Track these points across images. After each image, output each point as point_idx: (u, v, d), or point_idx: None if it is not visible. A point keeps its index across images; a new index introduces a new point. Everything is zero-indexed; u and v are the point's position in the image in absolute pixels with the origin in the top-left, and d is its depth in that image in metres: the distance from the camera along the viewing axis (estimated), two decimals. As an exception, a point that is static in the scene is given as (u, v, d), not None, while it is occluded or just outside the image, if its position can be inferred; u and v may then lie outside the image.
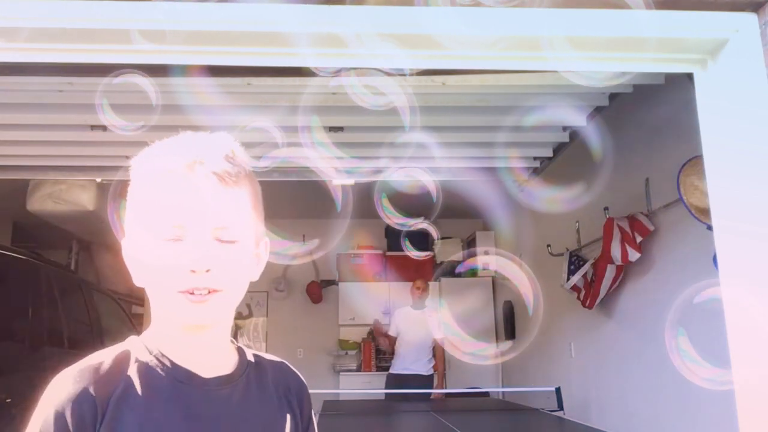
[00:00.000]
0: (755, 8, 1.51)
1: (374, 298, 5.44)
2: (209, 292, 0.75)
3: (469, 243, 7.03)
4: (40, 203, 4.76)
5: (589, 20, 1.50)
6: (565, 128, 3.95)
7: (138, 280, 0.80)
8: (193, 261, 0.74)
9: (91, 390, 0.72)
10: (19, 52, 1.49)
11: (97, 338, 4.28)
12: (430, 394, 5.02)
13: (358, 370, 6.75)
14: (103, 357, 0.77)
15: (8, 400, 2.98)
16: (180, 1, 1.41)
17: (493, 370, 6.60)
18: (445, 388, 5.45)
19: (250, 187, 0.82)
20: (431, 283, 6.23)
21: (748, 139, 1.49)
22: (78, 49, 1.49)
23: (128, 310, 5.78)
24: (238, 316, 6.90)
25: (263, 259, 0.86)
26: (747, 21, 1.52)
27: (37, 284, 3.58)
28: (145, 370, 0.77)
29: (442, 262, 6.95)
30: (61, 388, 0.73)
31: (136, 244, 0.79)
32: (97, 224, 5.34)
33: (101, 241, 6.32)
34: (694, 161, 2.79)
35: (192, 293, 0.75)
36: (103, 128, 3.25)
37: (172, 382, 0.77)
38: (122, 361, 0.77)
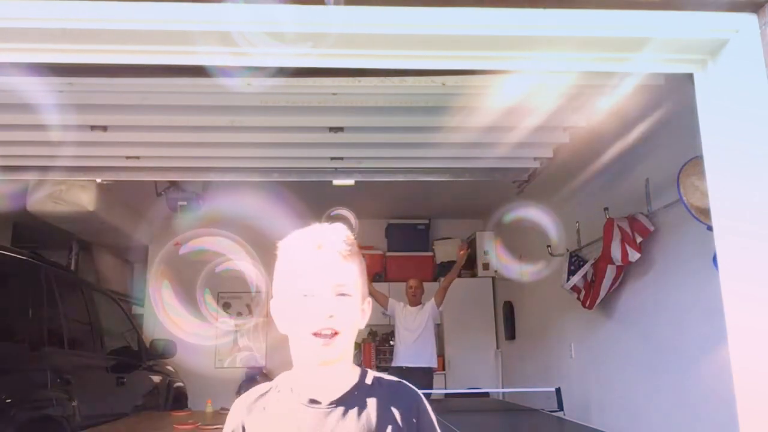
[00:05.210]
0: (755, 8, 1.51)
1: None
2: (333, 334, 1.06)
3: (469, 243, 7.03)
4: (40, 204, 4.76)
5: (589, 20, 1.50)
6: (565, 128, 3.94)
7: (282, 328, 1.14)
8: (321, 308, 1.06)
9: (245, 408, 1.12)
10: (19, 53, 1.49)
11: (97, 338, 4.28)
12: (430, 393, 5.04)
13: (358, 370, 6.75)
14: (263, 387, 1.15)
15: (8, 401, 2.98)
16: (179, 1, 1.41)
17: (493, 370, 6.61)
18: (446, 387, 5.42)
19: (359, 261, 1.16)
20: (431, 283, 6.23)
21: (748, 140, 1.49)
22: (78, 50, 1.49)
23: (128, 311, 5.77)
24: (238, 316, 6.89)
25: (367, 313, 1.17)
26: (747, 21, 1.52)
27: (37, 284, 3.58)
28: (278, 396, 1.11)
29: (441, 263, 6.95)
30: (234, 406, 1.14)
31: (282, 301, 1.12)
32: (97, 225, 5.34)
33: (101, 241, 6.31)
34: (694, 161, 2.79)
35: (320, 335, 1.05)
36: (104, 128, 3.25)
37: (296, 405, 1.08)
38: (269, 390, 1.14)
